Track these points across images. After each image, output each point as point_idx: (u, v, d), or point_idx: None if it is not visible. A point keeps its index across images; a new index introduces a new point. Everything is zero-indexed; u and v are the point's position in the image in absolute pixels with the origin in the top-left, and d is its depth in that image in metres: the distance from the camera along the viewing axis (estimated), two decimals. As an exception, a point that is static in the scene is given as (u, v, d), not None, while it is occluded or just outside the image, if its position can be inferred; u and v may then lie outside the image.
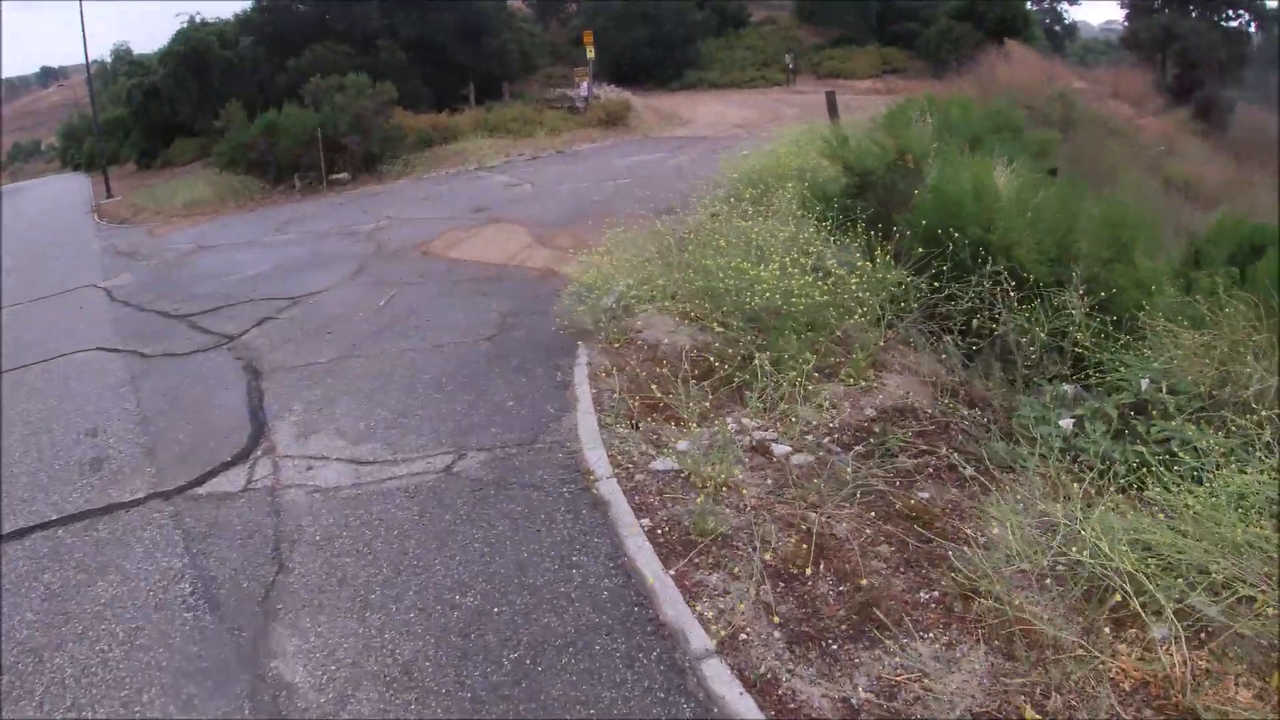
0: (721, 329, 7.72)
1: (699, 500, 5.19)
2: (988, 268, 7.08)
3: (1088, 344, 6.45)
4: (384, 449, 6.47)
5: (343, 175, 22.93)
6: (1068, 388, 6.25)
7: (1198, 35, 42.85)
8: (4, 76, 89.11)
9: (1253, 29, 45.47)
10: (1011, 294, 6.87)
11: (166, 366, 9.10)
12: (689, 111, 33.87)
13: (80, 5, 25.77)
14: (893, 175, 9.64)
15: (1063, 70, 37.49)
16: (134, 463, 6.74)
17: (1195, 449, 4.98)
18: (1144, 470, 4.99)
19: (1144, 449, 5.16)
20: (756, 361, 6.74)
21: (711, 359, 7.10)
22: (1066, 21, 60.88)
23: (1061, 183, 10.32)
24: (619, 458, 5.91)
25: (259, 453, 6.64)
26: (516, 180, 19.86)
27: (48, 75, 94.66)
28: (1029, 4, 49.94)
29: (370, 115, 23.37)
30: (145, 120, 38.50)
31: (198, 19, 39.86)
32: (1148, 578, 3.92)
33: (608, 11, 45.33)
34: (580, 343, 8.27)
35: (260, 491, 6.03)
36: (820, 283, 7.39)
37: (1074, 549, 4.19)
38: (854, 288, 7.38)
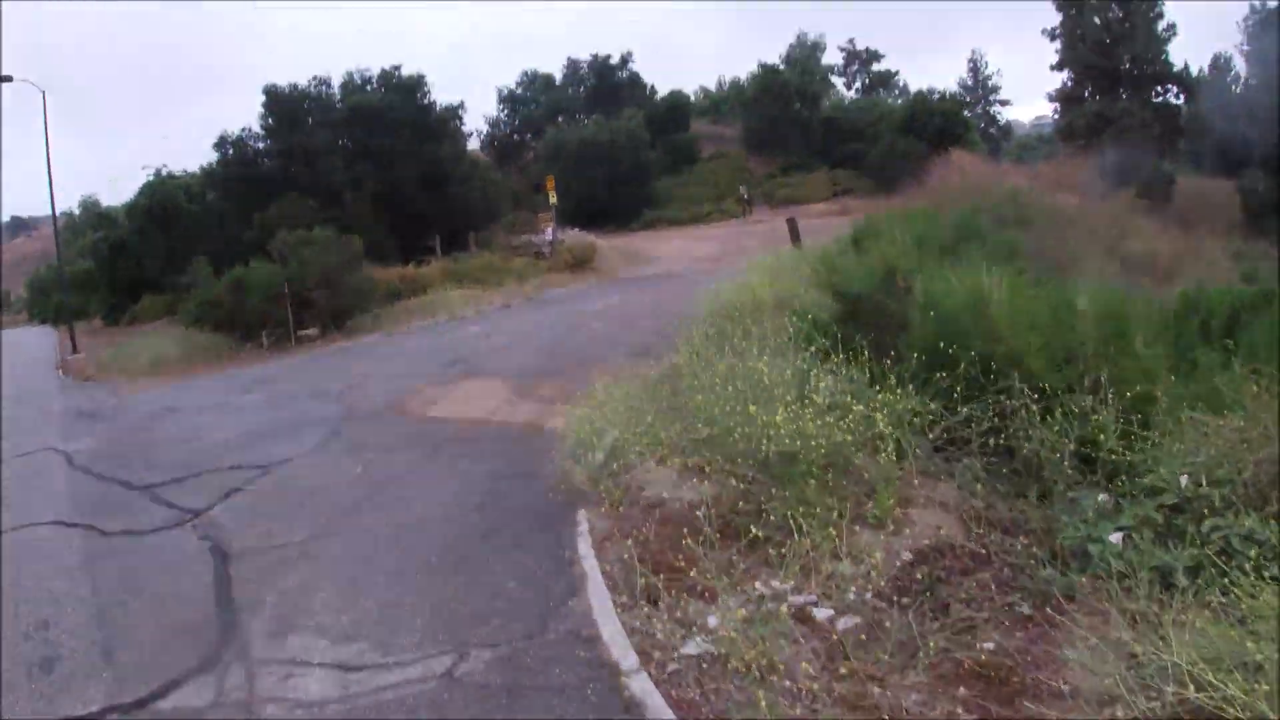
0: (731, 479, 7.12)
1: (747, 688, 4.51)
2: (1000, 382, 6.78)
3: (1117, 448, 6.11)
4: (373, 649, 5.68)
5: (311, 331, 22.48)
6: (1104, 496, 5.85)
7: (1130, 116, 43.55)
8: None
9: (1180, 100, 46.65)
10: (1034, 407, 6.52)
11: (127, 547, 8.34)
12: (653, 250, 34.03)
13: (48, 156, 25.27)
14: (884, 296, 9.27)
15: (1008, 170, 38.04)
16: (89, 665, 5.93)
17: (1256, 541, 4.68)
18: (1205, 573, 4.65)
19: (1199, 551, 4.82)
20: (777, 514, 6.16)
21: (726, 514, 6.51)
22: (1001, 123, 62.82)
23: (1049, 282, 10.01)
24: (645, 644, 5.19)
25: (229, 656, 5.83)
26: (490, 330, 19.48)
27: (17, 226, 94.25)
28: (965, 111, 51.12)
29: (338, 269, 23.07)
30: (112, 275, 38.23)
31: (164, 172, 40.07)
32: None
33: (564, 154, 46.04)
34: (579, 507, 7.62)
35: (232, 706, 5.22)
36: (839, 421, 6.87)
37: (1171, 685, 3.71)
38: (880, 422, 6.88)
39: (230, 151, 37.14)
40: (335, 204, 35.08)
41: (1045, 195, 33.15)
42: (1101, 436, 6.23)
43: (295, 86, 37.61)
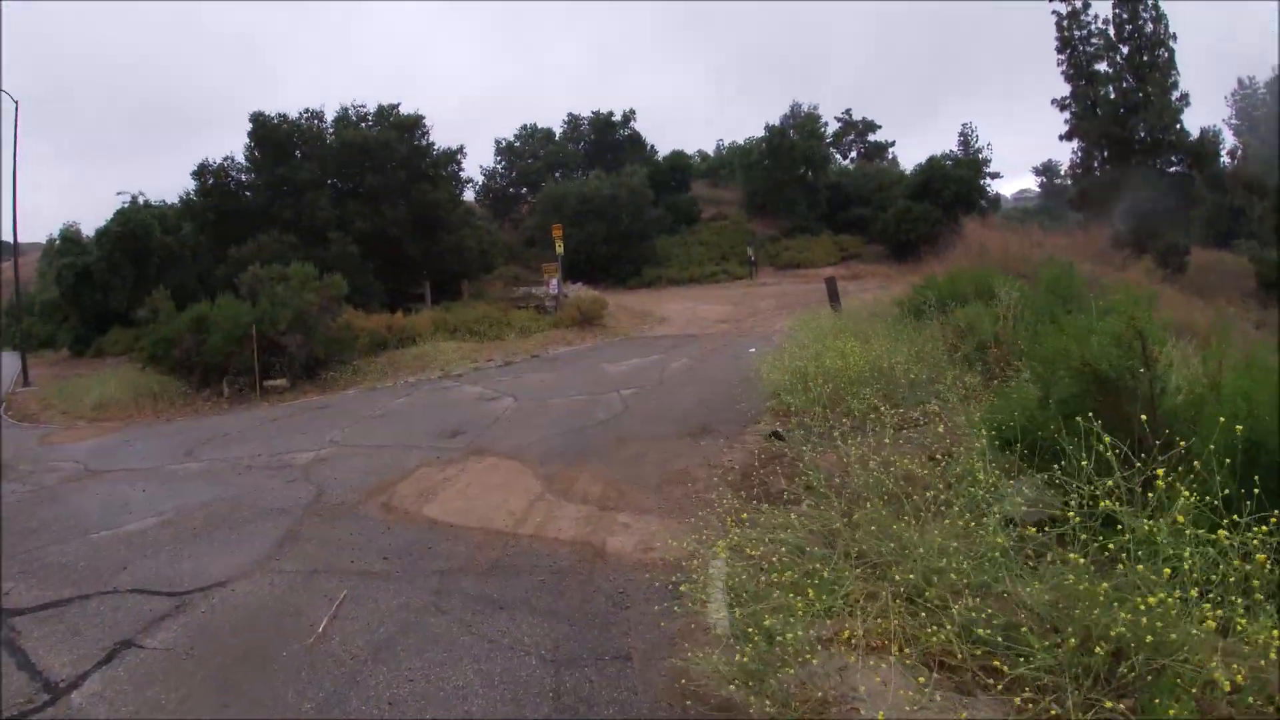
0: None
1: None
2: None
3: None
4: None
5: (280, 382, 18.77)
6: None
7: (1147, 186, 41.80)
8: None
9: (1192, 173, 45.13)
10: None
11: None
12: (660, 309, 30.64)
13: (14, 179, 22.19)
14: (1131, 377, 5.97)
15: (1036, 236, 35.26)
16: None
17: None
18: None
19: None
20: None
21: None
22: (990, 195, 60.64)
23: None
24: None
25: None
26: (493, 392, 15.80)
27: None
28: (983, 180, 48.85)
29: (315, 312, 19.40)
30: (78, 304, 35.35)
31: (140, 199, 36.45)
32: None
33: (564, 208, 42.83)
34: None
35: None
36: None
37: None
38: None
39: (210, 181, 33.51)
40: (319, 243, 31.52)
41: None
42: None
43: (285, 117, 34.15)
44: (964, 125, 62.10)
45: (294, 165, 33.01)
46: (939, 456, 7.45)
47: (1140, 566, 4.07)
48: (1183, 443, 4.75)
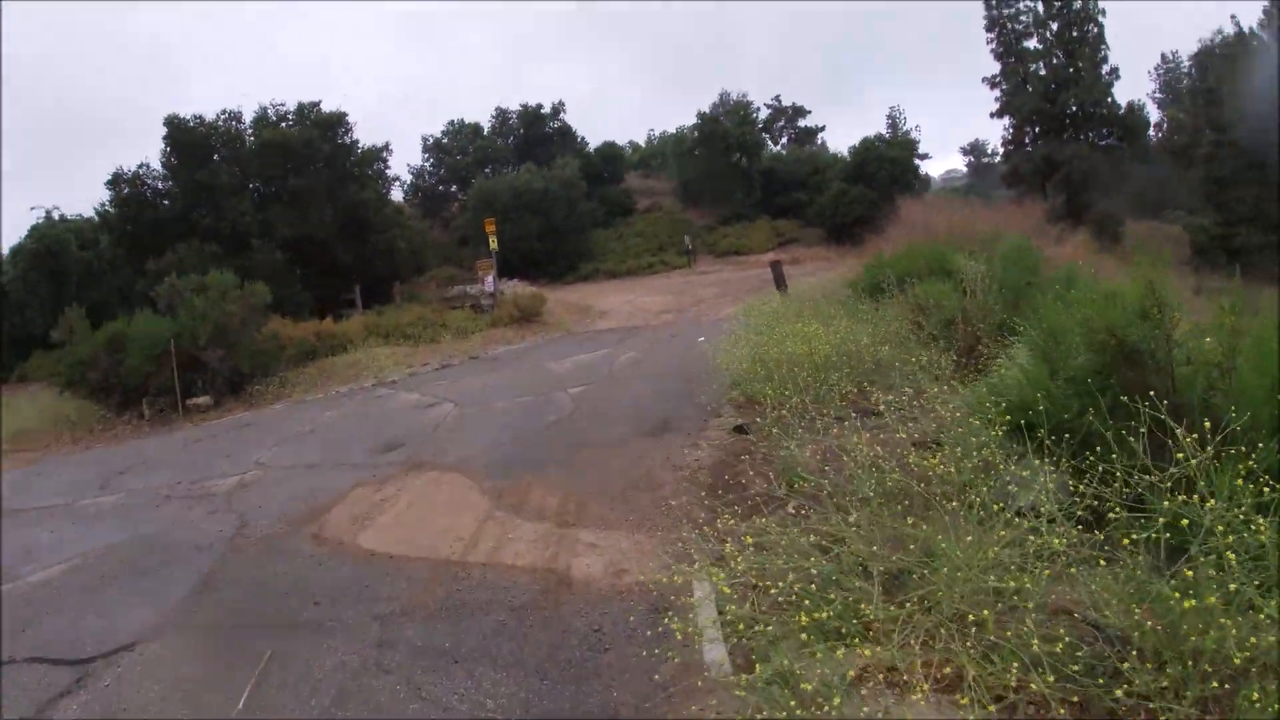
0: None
1: None
2: None
3: None
4: None
5: (203, 400, 17.49)
6: None
7: (1080, 160, 42.52)
8: None
9: (1122, 145, 45.91)
10: None
11: None
12: (599, 302, 29.70)
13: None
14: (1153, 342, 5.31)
15: (972, 214, 35.12)
16: None
17: None
18: None
19: None
20: None
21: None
22: (921, 175, 60.78)
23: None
24: None
25: None
26: (431, 398, 14.73)
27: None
28: (916, 161, 48.79)
29: (237, 324, 18.12)
30: None
31: (55, 214, 34.50)
32: None
33: (496, 204, 41.62)
34: None
35: None
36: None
37: None
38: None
39: (125, 190, 31.76)
40: (242, 251, 30.04)
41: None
42: None
43: (201, 119, 32.43)
44: (891, 108, 62.42)
45: (212, 169, 31.35)
46: (930, 444, 6.72)
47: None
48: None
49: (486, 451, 10.35)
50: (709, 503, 6.90)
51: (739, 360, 11.49)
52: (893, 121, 63.94)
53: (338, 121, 33.80)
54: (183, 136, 31.79)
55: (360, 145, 34.75)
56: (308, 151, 32.01)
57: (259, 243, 30.37)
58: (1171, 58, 57.13)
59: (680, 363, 15.20)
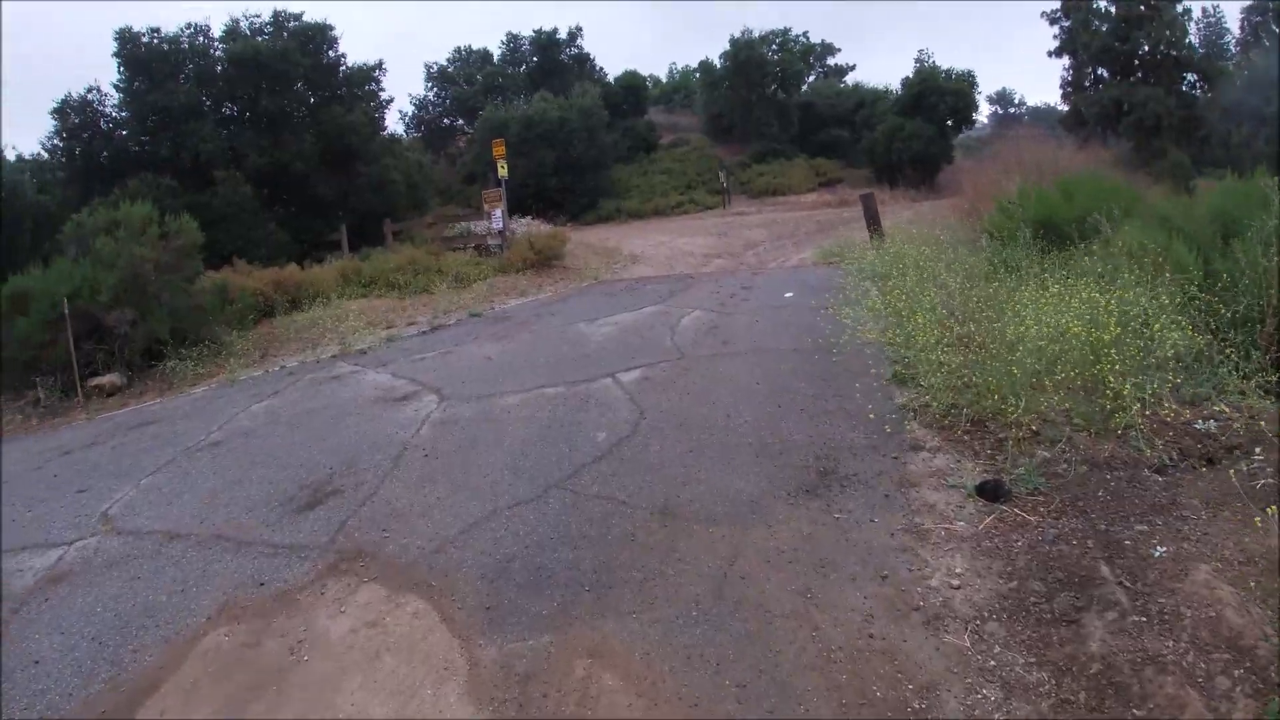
0: None
1: None
2: None
3: None
4: None
5: (110, 379, 12.45)
6: None
7: (1155, 103, 38.19)
8: None
9: (1198, 92, 41.32)
10: None
11: None
12: (628, 245, 24.49)
13: None
14: None
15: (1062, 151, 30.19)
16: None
17: None
18: None
19: None
20: None
21: None
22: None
23: None
24: None
25: None
26: (407, 384, 9.55)
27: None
28: (975, 90, 43.18)
29: (153, 273, 12.99)
30: None
31: (13, 153, 29.09)
32: None
33: (506, 136, 36.15)
34: None
35: None
36: None
37: None
38: None
39: (74, 119, 26.56)
40: (206, 185, 24.88)
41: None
42: None
43: (157, 31, 27.02)
44: (920, 51, 56.43)
45: (168, 90, 26.05)
46: None
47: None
48: None
49: (484, 528, 5.30)
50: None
51: (918, 339, 6.55)
52: (921, 65, 58.15)
53: (320, 34, 28.35)
54: (138, 54, 26.45)
55: (348, 62, 29.38)
56: (283, 67, 26.63)
57: (224, 175, 25.14)
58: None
59: (779, 331, 10.15)
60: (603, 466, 6.07)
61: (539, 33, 50.93)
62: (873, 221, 16.82)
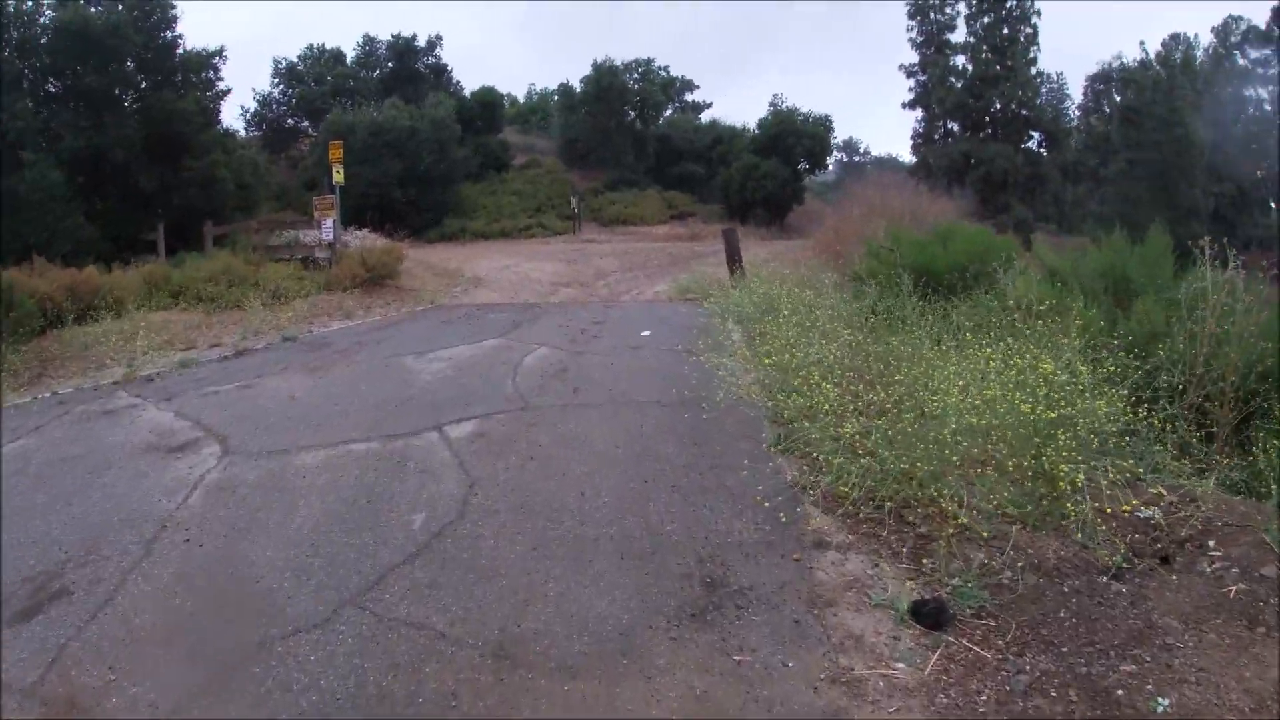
0: None
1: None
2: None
3: None
4: None
5: None
6: None
7: (1003, 159, 40.95)
8: None
9: (1042, 151, 44.99)
10: None
11: None
12: (472, 267, 23.50)
13: None
14: None
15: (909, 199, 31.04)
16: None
17: None
18: None
19: None
20: None
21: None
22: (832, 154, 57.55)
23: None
24: None
25: None
26: (190, 427, 8.19)
27: None
28: (831, 135, 44.68)
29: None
30: None
31: None
32: None
33: (352, 142, 34.36)
34: None
35: None
36: None
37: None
38: None
39: None
40: (17, 168, 22.41)
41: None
42: None
43: (-33, -6, 24.27)
44: (774, 95, 58.43)
45: (-14, 62, 23.39)
46: None
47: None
48: None
49: (243, 676, 4.06)
50: None
51: (820, 405, 6.01)
52: (776, 108, 59.58)
53: (159, 9, 26.13)
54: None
55: (185, 44, 27.18)
56: (114, 42, 24.31)
57: (33, 156, 22.74)
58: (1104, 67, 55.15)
59: (639, 378, 9.38)
60: (417, 571, 4.92)
61: (397, 37, 49.21)
62: (734, 258, 16.41)
